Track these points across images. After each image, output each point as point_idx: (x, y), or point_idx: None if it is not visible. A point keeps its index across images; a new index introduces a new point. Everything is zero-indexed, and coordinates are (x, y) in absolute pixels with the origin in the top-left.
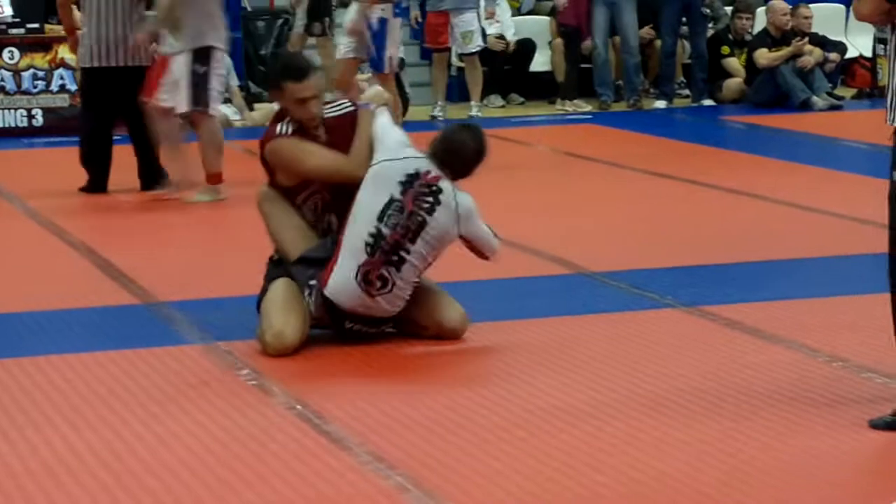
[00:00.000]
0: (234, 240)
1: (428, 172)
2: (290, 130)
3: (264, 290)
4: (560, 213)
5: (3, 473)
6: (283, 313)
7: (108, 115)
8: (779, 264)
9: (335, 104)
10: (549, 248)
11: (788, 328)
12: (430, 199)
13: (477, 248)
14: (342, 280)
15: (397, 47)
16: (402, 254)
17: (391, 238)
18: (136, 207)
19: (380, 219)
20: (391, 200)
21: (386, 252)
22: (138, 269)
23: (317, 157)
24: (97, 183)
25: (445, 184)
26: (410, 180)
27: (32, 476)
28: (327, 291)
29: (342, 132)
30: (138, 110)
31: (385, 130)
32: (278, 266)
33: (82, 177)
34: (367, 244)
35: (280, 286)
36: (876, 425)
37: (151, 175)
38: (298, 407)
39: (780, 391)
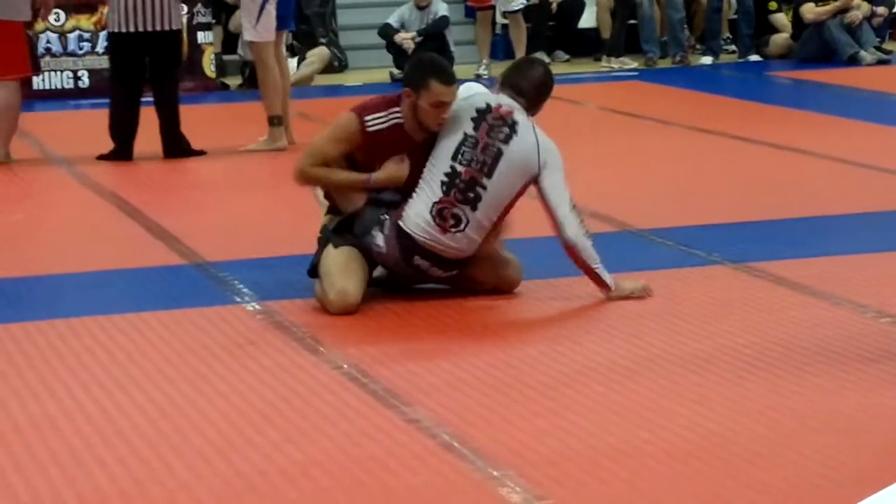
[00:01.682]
0: (279, 200)
1: (500, 106)
2: (377, 126)
3: (317, 257)
4: (606, 170)
5: (51, 432)
6: (345, 273)
7: (137, 84)
8: (826, 220)
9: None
10: (595, 206)
11: (836, 284)
12: (506, 129)
13: (550, 208)
14: (417, 213)
15: (253, 17)
16: (479, 189)
17: (466, 174)
18: (183, 169)
19: (454, 157)
20: (465, 137)
21: (461, 190)
22: (185, 230)
23: (318, 157)
24: (122, 151)
25: (521, 117)
26: (482, 114)
27: (81, 435)
28: (402, 222)
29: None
30: (166, 76)
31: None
32: (335, 234)
33: (151, 139)
34: (442, 183)
35: (339, 251)
36: None
37: (175, 142)
38: (345, 366)
39: (828, 348)
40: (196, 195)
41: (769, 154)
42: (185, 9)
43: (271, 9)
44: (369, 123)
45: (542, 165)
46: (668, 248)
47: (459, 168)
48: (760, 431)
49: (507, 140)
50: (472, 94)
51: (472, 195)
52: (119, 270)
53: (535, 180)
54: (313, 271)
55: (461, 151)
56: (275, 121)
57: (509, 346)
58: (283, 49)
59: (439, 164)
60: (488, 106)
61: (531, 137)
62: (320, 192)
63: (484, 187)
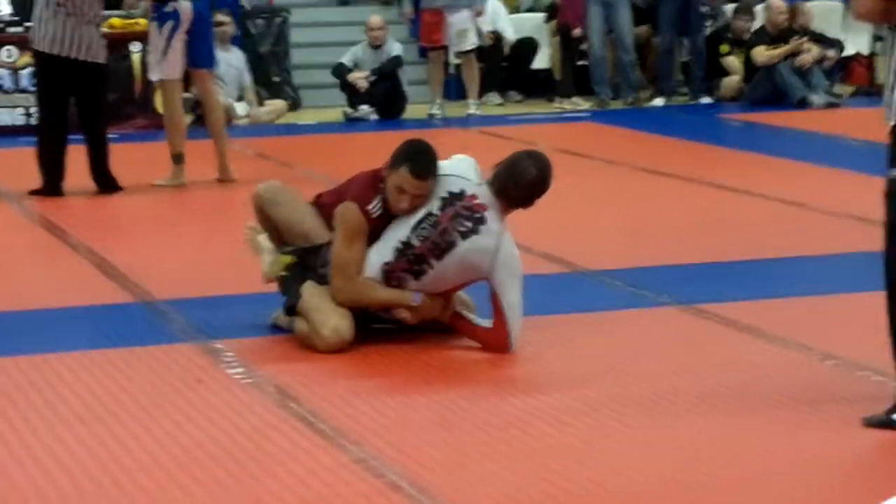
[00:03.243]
0: (231, 238)
1: (474, 197)
2: (378, 211)
3: (294, 294)
4: (557, 210)
5: None
6: (337, 310)
7: (63, 112)
8: (775, 262)
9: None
10: (545, 246)
11: (784, 326)
12: (469, 223)
13: (496, 311)
14: (371, 264)
15: (159, 52)
16: (426, 267)
17: (419, 249)
18: (133, 205)
19: (413, 229)
20: (429, 214)
21: (410, 261)
22: (134, 267)
23: (351, 266)
24: (53, 186)
25: (492, 216)
26: (453, 198)
27: (26, 474)
28: None
29: None
30: (94, 112)
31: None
32: (302, 272)
33: (78, 174)
34: (396, 248)
35: (323, 288)
36: (871, 423)
37: (105, 179)
38: (293, 405)
39: (775, 390)
40: (144, 232)
41: (720, 196)
42: (139, 46)
43: (178, 45)
44: (372, 210)
45: (496, 273)
46: (617, 290)
47: (415, 241)
48: (707, 473)
49: (465, 236)
50: (456, 169)
51: (417, 269)
52: (67, 308)
53: (486, 279)
54: (291, 309)
55: (421, 226)
56: (176, 158)
57: (459, 385)
58: (213, 87)
59: (399, 230)
60: (462, 192)
61: (491, 242)
62: (263, 238)
63: (431, 266)
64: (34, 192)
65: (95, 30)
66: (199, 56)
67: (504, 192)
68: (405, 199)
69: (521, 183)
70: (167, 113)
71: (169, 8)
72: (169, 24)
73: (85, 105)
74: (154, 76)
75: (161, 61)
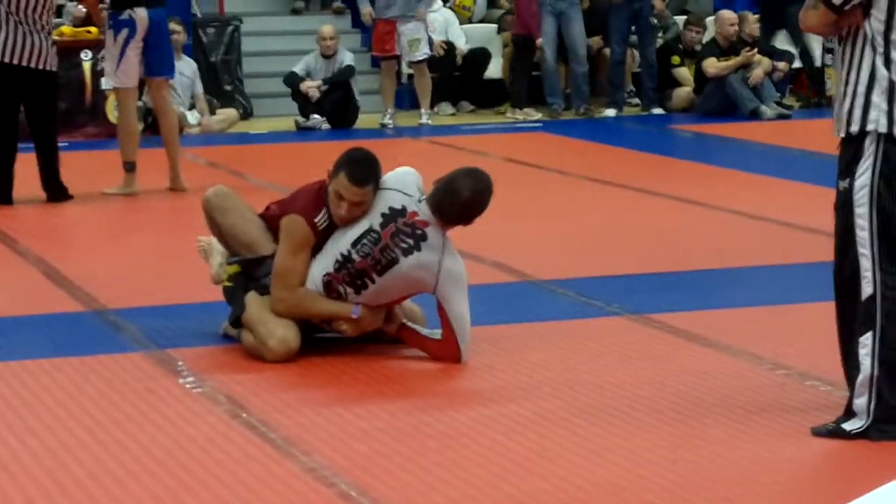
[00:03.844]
0: (183, 247)
1: (415, 213)
2: (325, 223)
3: (239, 305)
4: (507, 220)
5: None
6: (280, 320)
7: (14, 120)
8: (725, 273)
9: None
10: (495, 256)
11: (734, 336)
12: (411, 241)
13: (444, 323)
14: (312, 276)
15: (114, 61)
16: (367, 281)
17: (359, 265)
18: (84, 214)
19: (353, 244)
20: (370, 230)
21: (350, 275)
22: (85, 276)
23: (292, 277)
24: (3, 194)
25: (433, 232)
26: (394, 215)
27: None
28: None
29: None
30: (44, 120)
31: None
32: (246, 282)
33: (27, 183)
34: (336, 261)
35: (264, 298)
36: (818, 433)
37: (56, 188)
38: (244, 415)
39: (725, 399)
40: (94, 240)
41: (670, 206)
42: (90, 54)
43: (132, 55)
44: (319, 223)
45: (440, 287)
46: (567, 299)
47: (355, 256)
48: (657, 482)
49: (406, 252)
50: (398, 184)
51: (359, 282)
52: (16, 317)
53: (430, 292)
54: (237, 321)
55: (362, 242)
56: (128, 166)
57: (410, 395)
58: (168, 95)
59: (339, 243)
60: (403, 209)
61: (433, 261)
62: (215, 242)
63: (373, 281)
64: None
65: (46, 38)
66: (157, 64)
67: (439, 209)
68: (343, 205)
69: (454, 202)
70: (121, 121)
71: (124, 16)
72: (124, 32)
73: (35, 113)
74: (109, 84)
75: (115, 70)
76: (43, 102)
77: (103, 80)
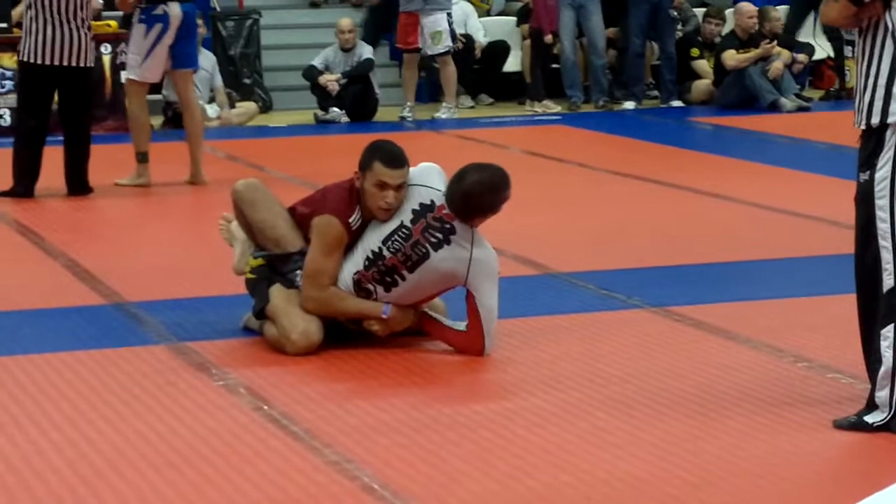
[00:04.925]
0: (204, 240)
1: (443, 207)
2: (359, 223)
3: (262, 297)
4: (527, 213)
5: None
6: (303, 314)
7: (43, 119)
8: (746, 265)
9: None
10: (516, 249)
11: (755, 329)
12: (440, 234)
13: (471, 314)
14: (342, 276)
15: (142, 55)
16: (397, 278)
17: (390, 261)
18: (105, 208)
19: (384, 241)
20: (401, 226)
21: (380, 272)
22: (106, 270)
23: (324, 277)
24: (26, 188)
25: (460, 225)
26: (424, 210)
27: None
28: None
29: None
30: (79, 115)
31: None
32: (270, 274)
33: (50, 177)
34: (367, 258)
35: (291, 292)
36: (840, 425)
37: (80, 182)
38: (265, 408)
39: (746, 392)
40: (115, 234)
41: (690, 199)
42: (109, 48)
43: (161, 51)
44: (352, 222)
45: (471, 278)
46: (588, 292)
47: (386, 253)
48: (679, 475)
49: (437, 247)
50: (425, 179)
51: (389, 280)
52: (38, 310)
53: (462, 284)
54: (260, 313)
55: (393, 238)
56: (140, 157)
57: (431, 388)
58: (193, 89)
59: (370, 240)
60: (432, 203)
61: (464, 252)
62: (236, 226)
63: (403, 279)
64: (4, 194)
65: (82, 32)
66: (184, 57)
67: (447, 199)
68: (389, 193)
69: (455, 192)
70: (134, 112)
71: (159, 11)
72: (157, 28)
73: (70, 108)
74: (131, 75)
75: (142, 64)
76: (78, 98)
77: (125, 71)
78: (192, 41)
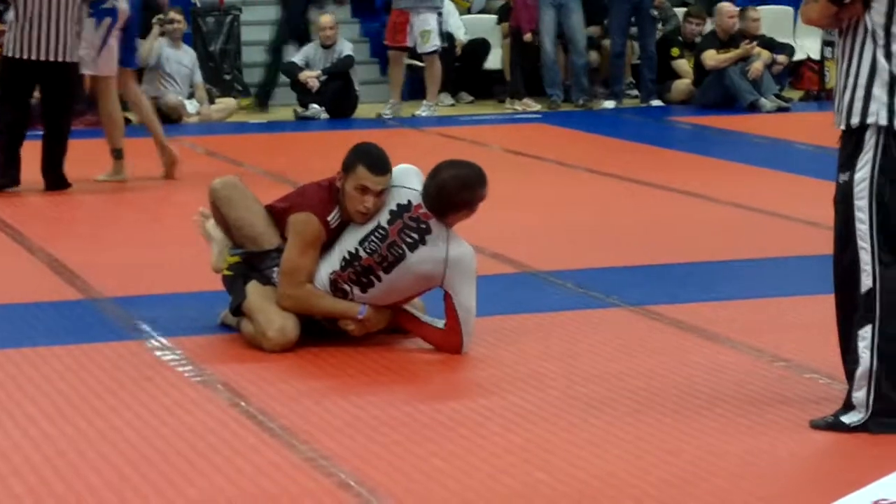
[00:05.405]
0: (179, 235)
1: (420, 206)
2: (337, 221)
3: (239, 294)
4: (506, 211)
5: None
6: (280, 311)
7: (25, 112)
8: (724, 265)
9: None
10: (494, 247)
11: (733, 328)
12: (416, 235)
13: (448, 313)
14: (319, 275)
15: (95, 49)
16: (373, 279)
17: (366, 262)
18: (82, 203)
19: (361, 242)
20: (377, 227)
21: (356, 272)
22: (84, 265)
23: (301, 274)
24: (12, 178)
25: (436, 224)
26: (400, 210)
27: None
28: None
29: None
30: (60, 110)
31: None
32: (247, 271)
33: (27, 171)
34: (343, 258)
35: (267, 289)
36: (817, 426)
37: (57, 176)
38: (242, 404)
39: (724, 391)
40: (93, 229)
41: (669, 198)
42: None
43: (113, 43)
44: (331, 220)
45: (448, 279)
46: (566, 291)
47: (362, 253)
48: (655, 473)
49: (413, 247)
50: (403, 180)
51: (365, 280)
52: (15, 305)
53: (439, 286)
54: (237, 309)
55: (369, 239)
56: (116, 153)
57: (409, 386)
58: (136, 86)
59: (347, 241)
60: (409, 203)
61: (440, 253)
62: (212, 225)
63: (379, 279)
64: None
65: (69, 27)
66: (127, 54)
67: (422, 194)
68: (369, 198)
69: (430, 185)
70: (105, 109)
71: (107, 4)
72: (106, 21)
73: (50, 102)
74: (87, 71)
75: (96, 58)
76: (59, 92)
77: (82, 66)
78: (133, 39)
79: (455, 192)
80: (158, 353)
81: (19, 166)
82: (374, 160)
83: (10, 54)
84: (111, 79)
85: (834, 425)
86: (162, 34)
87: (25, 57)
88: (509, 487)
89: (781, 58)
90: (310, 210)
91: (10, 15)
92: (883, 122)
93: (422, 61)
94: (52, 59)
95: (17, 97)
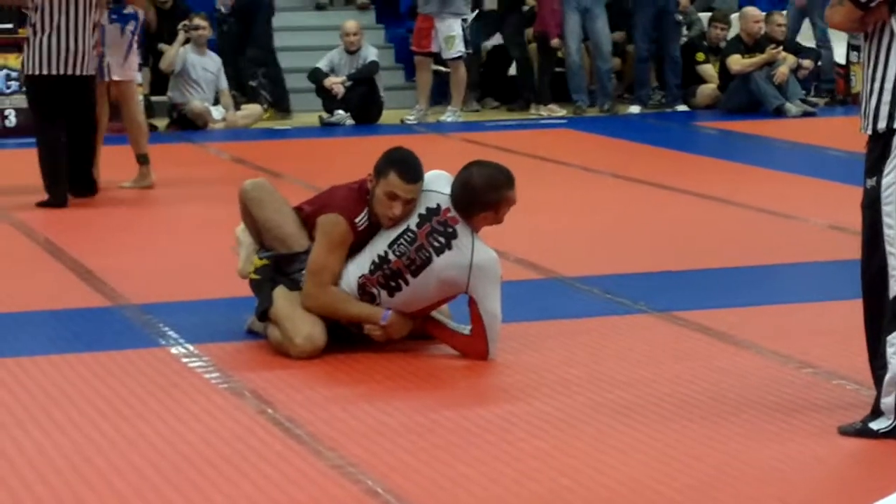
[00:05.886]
0: (208, 242)
1: (448, 210)
2: (365, 224)
3: (266, 298)
4: (533, 217)
5: None
6: (309, 317)
7: (60, 127)
8: (751, 270)
9: None
10: (521, 253)
11: (760, 334)
12: (443, 239)
13: (474, 319)
14: (347, 278)
15: (122, 54)
16: (401, 282)
17: (395, 265)
18: (109, 209)
19: (391, 245)
20: (406, 230)
21: (385, 276)
22: (111, 271)
23: (326, 274)
24: (59, 200)
25: (462, 229)
26: (429, 214)
27: (0, 478)
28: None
29: None
30: (83, 121)
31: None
32: (274, 275)
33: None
34: (372, 262)
35: (296, 294)
36: (845, 432)
37: (87, 182)
38: (270, 411)
39: (751, 397)
40: (121, 236)
41: (695, 203)
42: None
43: (135, 47)
44: (359, 222)
45: (472, 285)
46: (593, 297)
47: (391, 256)
48: (682, 480)
49: (439, 251)
50: (433, 184)
51: (393, 284)
52: (42, 312)
53: (464, 292)
54: (263, 314)
55: (399, 242)
56: (141, 159)
57: (435, 392)
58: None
59: (377, 244)
60: (438, 207)
61: (464, 258)
62: (240, 230)
63: (406, 283)
64: (41, 204)
65: (88, 41)
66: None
67: (451, 195)
68: (398, 205)
69: (456, 184)
70: (129, 115)
71: (129, 9)
72: (131, 25)
73: (75, 114)
74: (116, 76)
75: (123, 63)
76: (82, 106)
77: (113, 73)
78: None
79: (481, 190)
80: (185, 359)
81: (66, 186)
82: (407, 168)
83: (33, 72)
84: (134, 83)
85: (862, 431)
86: (187, 41)
87: (47, 73)
88: (535, 493)
89: (807, 62)
90: (338, 212)
91: (28, 31)
92: None
93: (447, 67)
94: (75, 72)
95: (51, 115)
